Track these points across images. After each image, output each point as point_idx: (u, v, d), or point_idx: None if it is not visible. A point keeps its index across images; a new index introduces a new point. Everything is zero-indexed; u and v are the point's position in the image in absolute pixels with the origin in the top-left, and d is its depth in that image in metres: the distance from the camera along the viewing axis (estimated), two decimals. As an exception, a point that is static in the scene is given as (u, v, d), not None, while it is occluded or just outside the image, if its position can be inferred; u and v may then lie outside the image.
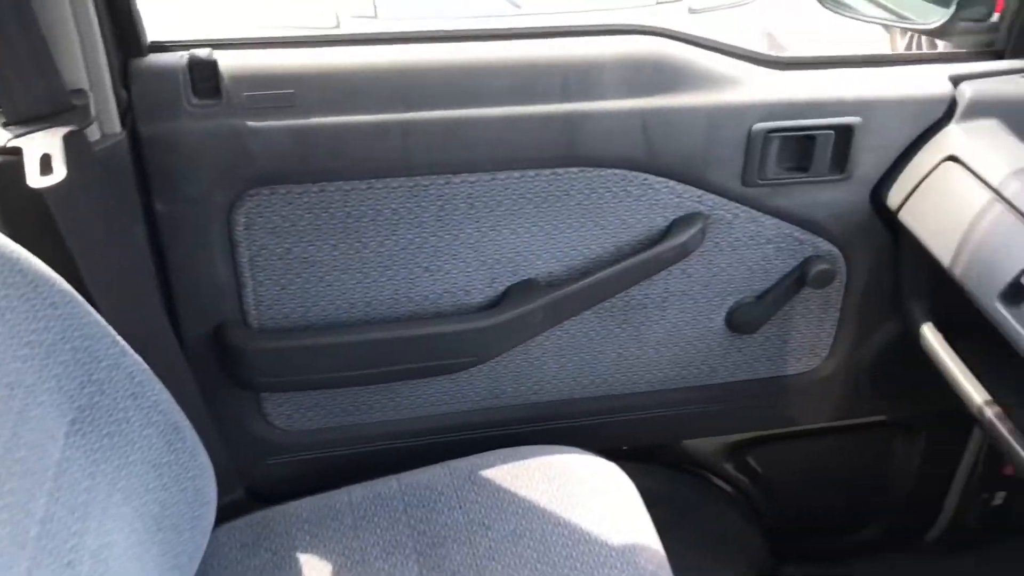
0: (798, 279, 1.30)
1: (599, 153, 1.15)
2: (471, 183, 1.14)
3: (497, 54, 1.09)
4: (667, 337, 1.34)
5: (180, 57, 1.03)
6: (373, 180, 1.11)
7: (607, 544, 1.14)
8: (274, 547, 1.14)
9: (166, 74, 1.03)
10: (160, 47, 1.04)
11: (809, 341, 1.39)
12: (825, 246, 1.29)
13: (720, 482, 1.60)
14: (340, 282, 1.18)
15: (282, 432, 1.30)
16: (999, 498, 1.66)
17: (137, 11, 1.00)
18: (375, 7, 2.94)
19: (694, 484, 1.57)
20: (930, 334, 1.28)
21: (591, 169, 1.16)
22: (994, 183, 1.10)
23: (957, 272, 1.11)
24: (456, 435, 1.34)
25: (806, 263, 1.29)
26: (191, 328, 1.17)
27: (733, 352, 1.38)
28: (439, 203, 1.14)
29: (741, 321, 1.33)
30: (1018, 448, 1.12)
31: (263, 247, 1.14)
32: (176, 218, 1.09)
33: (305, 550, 1.16)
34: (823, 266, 1.28)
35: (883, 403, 1.50)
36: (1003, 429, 1.15)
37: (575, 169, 1.16)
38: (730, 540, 1.59)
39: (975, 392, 1.19)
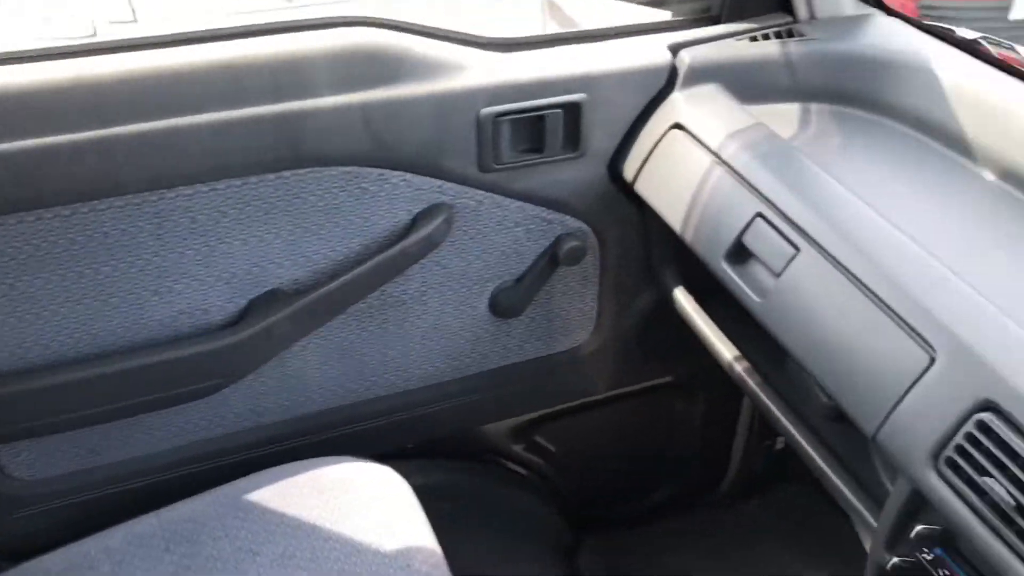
0: (551, 259, 1.30)
1: (324, 152, 1.10)
2: (189, 196, 1.07)
3: (202, 57, 1.03)
4: (432, 330, 1.31)
5: None
6: (77, 205, 1.03)
7: (381, 551, 1.11)
8: (18, 610, 1.06)
9: None
10: None
11: (574, 317, 1.40)
12: (574, 223, 1.29)
13: (514, 465, 1.60)
14: (61, 316, 1.09)
15: (24, 483, 1.20)
16: (780, 443, 1.73)
17: None
18: (133, 10, 2.78)
19: (486, 472, 1.56)
20: (681, 298, 1.31)
21: (320, 169, 1.11)
22: (714, 147, 1.12)
23: (688, 237, 1.13)
24: (220, 461, 1.27)
25: (557, 242, 1.29)
26: None
27: (501, 337, 1.37)
28: (156, 221, 1.07)
29: (503, 306, 1.33)
30: (764, 398, 1.16)
31: None
32: None
33: (57, 608, 1.07)
34: (573, 243, 1.28)
35: (655, 368, 1.54)
36: (752, 383, 1.19)
37: (303, 171, 1.11)
38: (527, 522, 1.60)
39: (725, 350, 1.23)
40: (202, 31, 1.05)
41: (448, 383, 1.38)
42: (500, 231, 1.25)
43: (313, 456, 1.21)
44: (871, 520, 0.97)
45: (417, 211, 1.19)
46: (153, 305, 1.12)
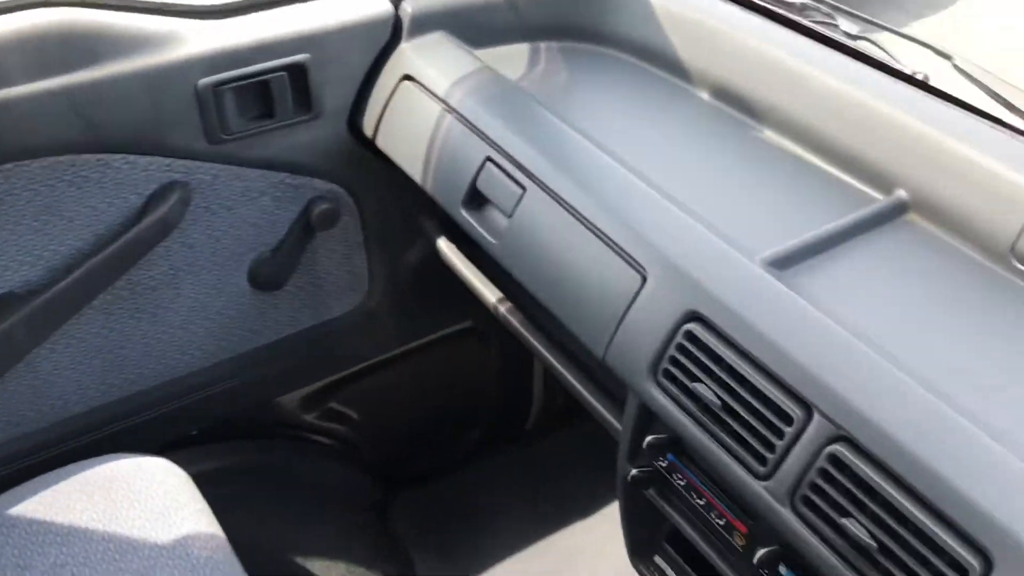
0: (305, 225, 1.28)
1: (31, 143, 1.04)
2: None
3: None
4: (192, 314, 1.27)
5: None
6: None
7: (159, 544, 1.08)
8: None
9: None
10: None
11: (345, 280, 1.39)
12: (324, 186, 1.27)
13: (314, 436, 1.58)
14: None
15: None
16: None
17: None
18: None
19: (280, 448, 1.54)
20: (444, 247, 1.32)
21: (29, 162, 1.05)
22: (442, 95, 1.12)
23: (429, 187, 1.13)
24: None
25: (309, 207, 1.27)
26: None
27: (270, 310, 1.35)
28: None
29: (263, 278, 1.30)
30: (527, 336, 1.19)
31: None
32: None
33: None
34: (324, 206, 1.26)
35: (447, 317, 1.55)
36: (516, 322, 1.21)
37: (9, 165, 1.04)
38: (331, 490, 1.59)
39: (488, 293, 1.24)
40: None
41: (220, 364, 1.34)
42: (245, 203, 1.22)
43: (82, 459, 1.16)
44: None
45: (148, 193, 1.14)
46: None
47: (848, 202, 0.98)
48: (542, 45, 1.26)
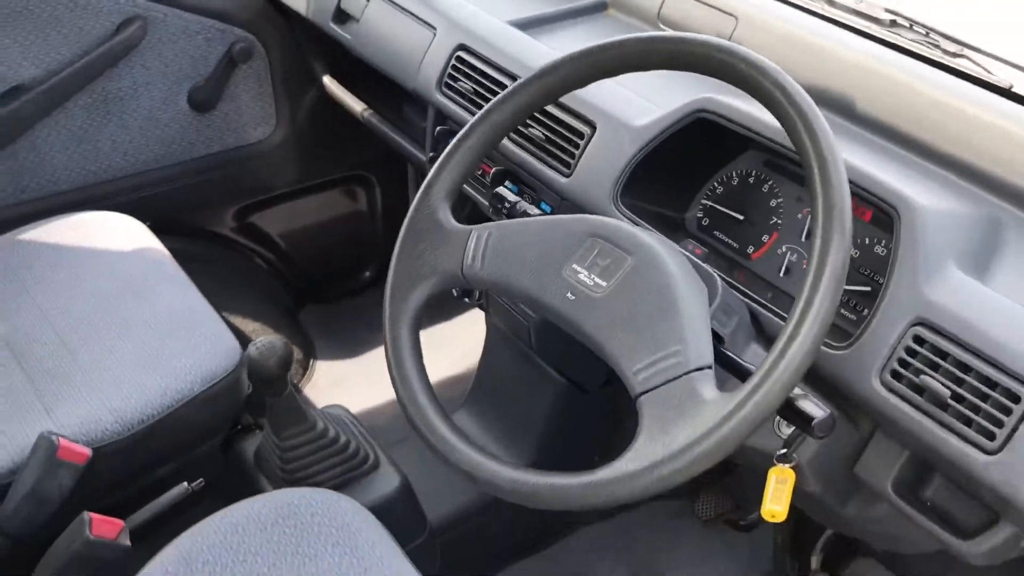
0: (229, 61, 1.81)
1: None
2: None
3: None
4: (147, 122, 1.79)
5: None
6: None
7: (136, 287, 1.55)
8: None
9: None
10: None
11: (258, 113, 1.92)
12: (243, 34, 1.81)
13: (243, 241, 2.08)
14: None
15: None
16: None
17: None
18: None
19: (222, 244, 2.05)
20: (330, 83, 1.86)
21: None
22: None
23: (310, 15, 1.68)
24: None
25: (231, 47, 1.81)
26: None
27: (203, 129, 1.87)
28: None
29: (198, 100, 1.82)
30: (396, 139, 1.71)
31: None
32: None
33: None
34: (242, 44, 1.81)
35: (336, 164, 2.08)
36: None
37: None
38: (259, 285, 2.10)
39: (355, 104, 1.79)
40: None
41: (168, 168, 1.86)
42: (185, 39, 1.76)
43: None
44: None
45: (118, 22, 1.67)
46: None
47: None
48: None
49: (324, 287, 2.25)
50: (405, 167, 2.19)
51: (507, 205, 1.17)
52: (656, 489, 0.79)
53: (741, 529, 1.64)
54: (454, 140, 1.04)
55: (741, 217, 1.18)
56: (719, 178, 1.21)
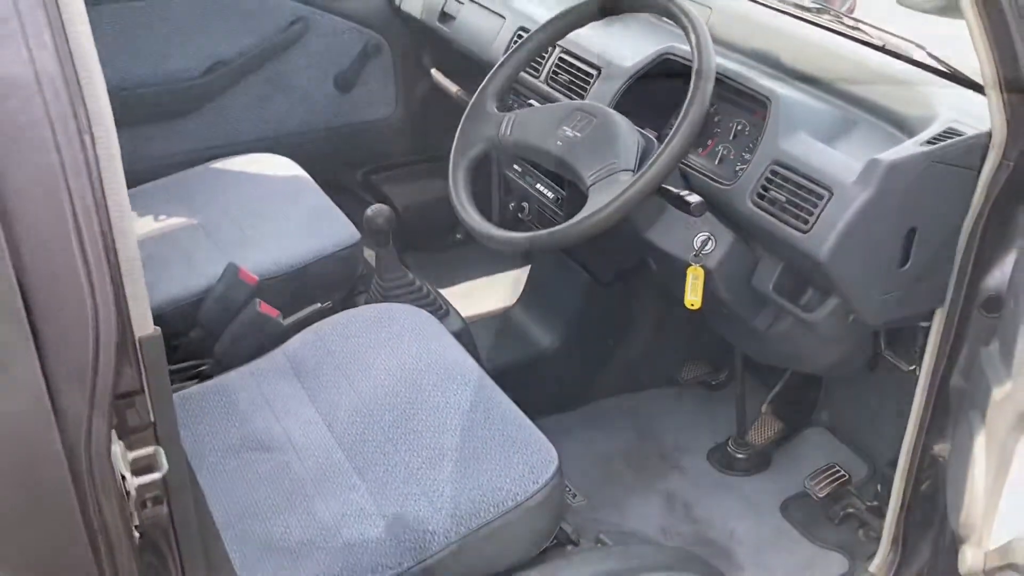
0: (364, 54, 2.49)
1: None
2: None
3: None
4: (304, 96, 2.48)
5: None
6: None
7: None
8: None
9: None
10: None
11: (382, 97, 2.59)
12: (374, 34, 2.49)
13: (365, 196, 2.72)
14: None
15: None
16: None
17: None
18: None
19: (347, 198, 2.70)
20: (436, 74, 2.52)
21: None
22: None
23: (420, 16, 2.35)
24: None
25: (366, 44, 2.49)
26: None
27: (343, 105, 2.55)
28: None
29: (341, 83, 2.50)
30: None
31: None
32: None
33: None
34: (373, 42, 2.49)
35: (439, 140, 2.72)
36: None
37: None
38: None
39: (452, 86, 2.43)
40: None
41: (316, 131, 2.54)
42: (333, 36, 2.45)
43: None
44: None
45: (287, 21, 2.37)
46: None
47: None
48: None
49: (423, 239, 2.87)
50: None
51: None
52: (590, 233, 1.37)
53: (713, 389, 2.17)
54: (499, 61, 1.66)
55: None
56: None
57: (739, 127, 1.61)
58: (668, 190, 1.40)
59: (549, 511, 1.35)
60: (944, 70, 1.54)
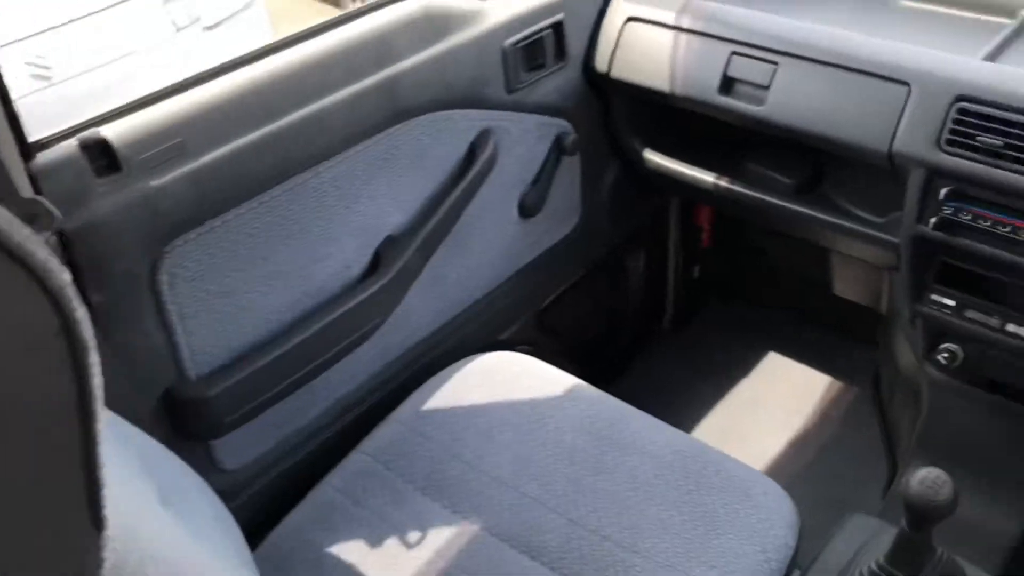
0: (556, 156, 1.62)
1: (414, 104, 1.34)
2: (334, 167, 1.27)
3: (324, 46, 1.24)
4: (485, 245, 1.58)
5: (70, 145, 1.03)
6: (261, 195, 1.20)
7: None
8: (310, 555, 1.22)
9: (65, 167, 1.02)
10: (42, 144, 1.03)
11: (566, 207, 1.73)
12: (561, 123, 1.62)
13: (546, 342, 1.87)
14: (254, 303, 1.25)
15: (231, 474, 1.32)
16: (696, 272, 2.18)
17: (16, 112, 0.99)
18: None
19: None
20: (651, 155, 1.69)
21: (410, 120, 1.35)
22: (671, 23, 1.51)
23: (679, 91, 1.51)
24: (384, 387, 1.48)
25: (558, 140, 1.61)
26: (140, 403, 1.17)
27: (526, 235, 1.67)
28: (316, 195, 1.26)
29: (528, 206, 1.62)
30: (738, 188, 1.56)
31: (188, 297, 1.17)
32: (108, 304, 1.09)
33: (336, 543, 1.24)
34: (571, 136, 1.61)
35: (617, 233, 1.90)
36: (725, 183, 1.58)
37: (401, 125, 1.34)
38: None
39: (705, 175, 1.62)
40: (318, 25, 1.26)
41: (500, 286, 1.65)
42: (522, 142, 1.55)
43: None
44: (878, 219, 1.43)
45: (471, 140, 1.46)
46: (315, 271, 1.31)
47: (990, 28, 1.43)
48: None
49: (620, 360, 2.07)
50: (668, 236, 2.05)
51: None
52: None
53: None
54: None
55: None
56: None
57: None
58: None
59: None
60: None
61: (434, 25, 1.35)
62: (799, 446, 1.93)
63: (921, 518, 1.10)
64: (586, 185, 1.75)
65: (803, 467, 1.89)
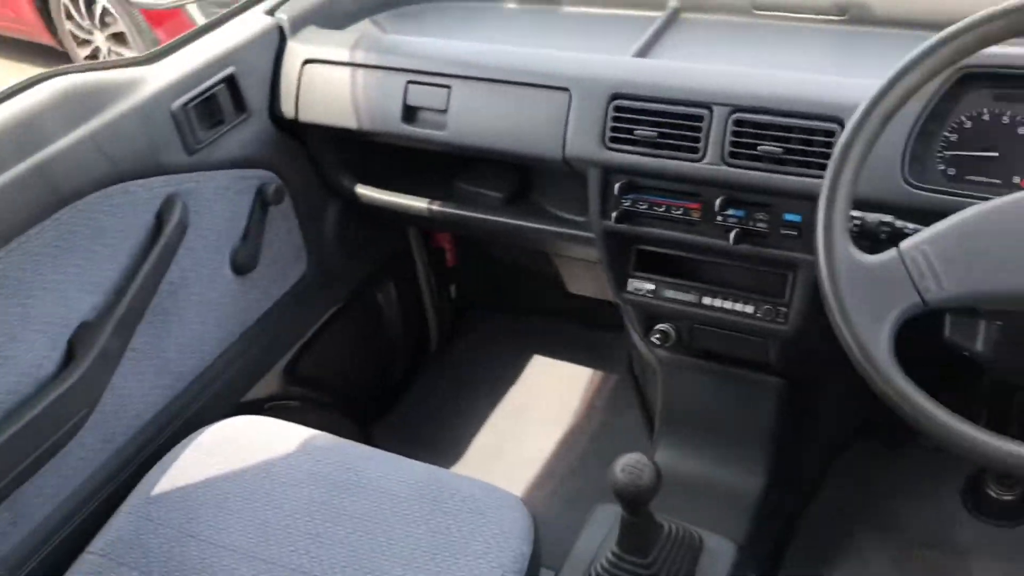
0: (261, 207, 1.59)
1: (73, 186, 1.28)
2: None
3: None
4: (201, 307, 1.53)
5: None
6: None
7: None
8: None
9: None
10: None
11: (291, 255, 1.71)
12: (264, 173, 1.59)
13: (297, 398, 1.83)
14: None
15: None
16: (453, 292, 2.21)
17: None
18: None
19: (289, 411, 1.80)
20: (363, 190, 1.69)
21: (78, 202, 1.29)
22: (345, 60, 1.51)
23: (367, 126, 1.51)
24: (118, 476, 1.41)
25: (260, 192, 1.58)
26: None
27: (248, 292, 1.63)
28: None
29: (240, 263, 1.58)
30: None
31: None
32: None
33: None
34: (272, 186, 1.59)
35: (360, 269, 1.90)
36: (438, 206, 1.61)
37: (66, 209, 1.27)
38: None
39: (417, 202, 1.63)
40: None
41: (227, 351, 1.61)
42: (219, 200, 1.52)
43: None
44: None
45: (156, 209, 1.41)
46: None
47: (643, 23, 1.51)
48: (382, 15, 1.68)
49: (386, 399, 2.06)
50: (414, 263, 2.06)
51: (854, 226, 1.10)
52: None
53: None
54: (831, 167, 1.00)
55: (996, 154, 1.22)
56: (949, 127, 1.24)
57: None
58: None
59: None
60: None
61: (86, 101, 1.30)
62: (570, 441, 1.99)
63: (632, 502, 1.14)
64: (307, 229, 1.73)
65: (576, 460, 1.94)
